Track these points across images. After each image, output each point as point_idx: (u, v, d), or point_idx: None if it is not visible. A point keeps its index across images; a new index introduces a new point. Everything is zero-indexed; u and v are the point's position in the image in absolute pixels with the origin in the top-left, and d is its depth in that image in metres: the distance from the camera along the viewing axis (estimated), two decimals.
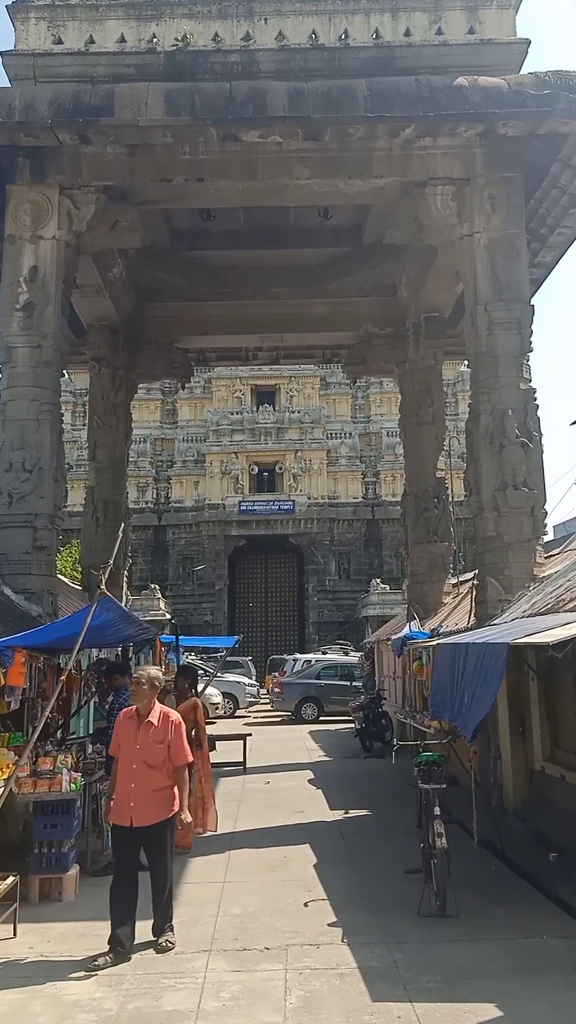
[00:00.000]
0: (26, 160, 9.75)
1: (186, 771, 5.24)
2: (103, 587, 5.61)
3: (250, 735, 13.59)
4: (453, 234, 10.14)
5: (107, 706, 8.26)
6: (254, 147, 9.65)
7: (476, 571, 10.07)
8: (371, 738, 14.33)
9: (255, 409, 41.46)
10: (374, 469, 41.30)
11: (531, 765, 8.25)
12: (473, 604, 9.85)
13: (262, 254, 13.92)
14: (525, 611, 7.95)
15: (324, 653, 26.80)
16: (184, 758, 5.19)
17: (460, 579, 14.68)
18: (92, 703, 9.35)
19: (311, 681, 21.36)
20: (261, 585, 41.37)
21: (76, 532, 20.93)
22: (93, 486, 14.14)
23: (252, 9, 10.22)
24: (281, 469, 40.69)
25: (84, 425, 22.97)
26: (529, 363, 9.75)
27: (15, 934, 5.42)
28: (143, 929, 5.17)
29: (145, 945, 5.11)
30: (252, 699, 23.51)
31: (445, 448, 14.90)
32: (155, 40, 10.15)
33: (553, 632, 5.15)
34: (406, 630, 12.32)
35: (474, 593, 9.87)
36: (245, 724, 20.06)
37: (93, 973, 4.77)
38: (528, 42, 10.05)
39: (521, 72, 9.93)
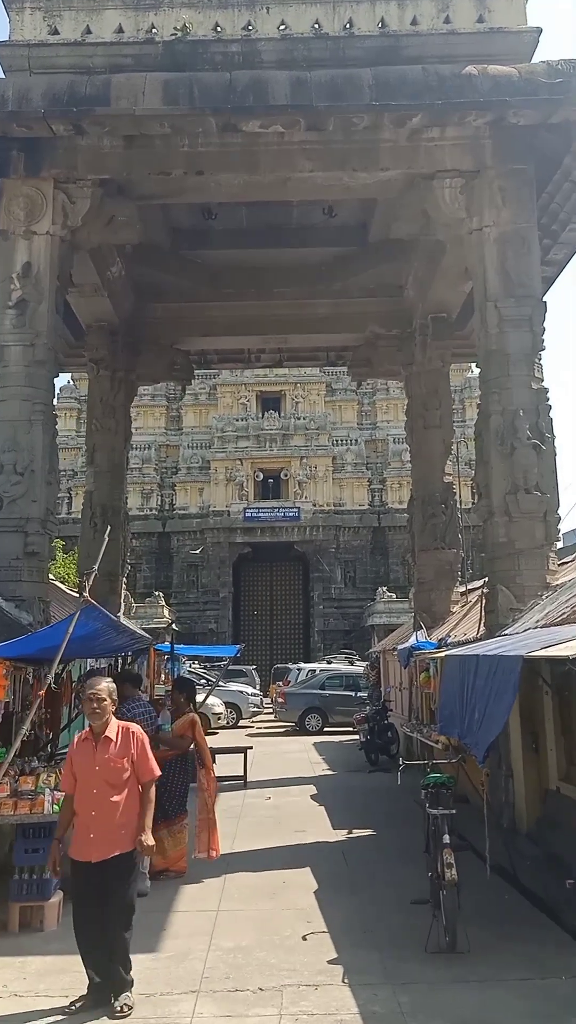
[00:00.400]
0: (20, 153, 9.43)
1: (152, 788, 4.60)
2: (87, 594, 5.23)
3: (251, 747, 13.17)
4: (462, 228, 9.77)
5: None
6: (255, 138, 9.32)
7: (486, 579, 9.65)
8: (376, 751, 13.88)
9: (260, 415, 41.17)
10: (380, 476, 40.93)
11: (545, 784, 7.80)
12: (483, 613, 9.43)
13: (265, 253, 13.59)
14: (538, 621, 7.53)
15: (329, 662, 26.35)
16: (151, 773, 4.60)
17: (469, 587, 14.24)
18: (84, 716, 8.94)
19: (315, 691, 20.92)
20: (266, 593, 40.98)
21: (77, 540, 20.57)
22: (91, 491, 13.80)
23: None
24: (286, 476, 40.35)
25: None
26: (541, 362, 9.36)
27: None
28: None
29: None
30: (255, 709, 23.06)
31: (452, 454, 14.49)
32: (154, 30, 9.84)
33: (572, 644, 4.75)
34: (413, 640, 11.88)
35: (484, 602, 9.45)
36: (248, 735, 19.62)
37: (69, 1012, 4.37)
38: (539, 31, 9.70)
39: (532, 62, 9.58)
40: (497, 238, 9.45)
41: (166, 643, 13.04)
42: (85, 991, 4.53)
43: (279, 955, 5.21)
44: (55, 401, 9.96)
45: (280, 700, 21.51)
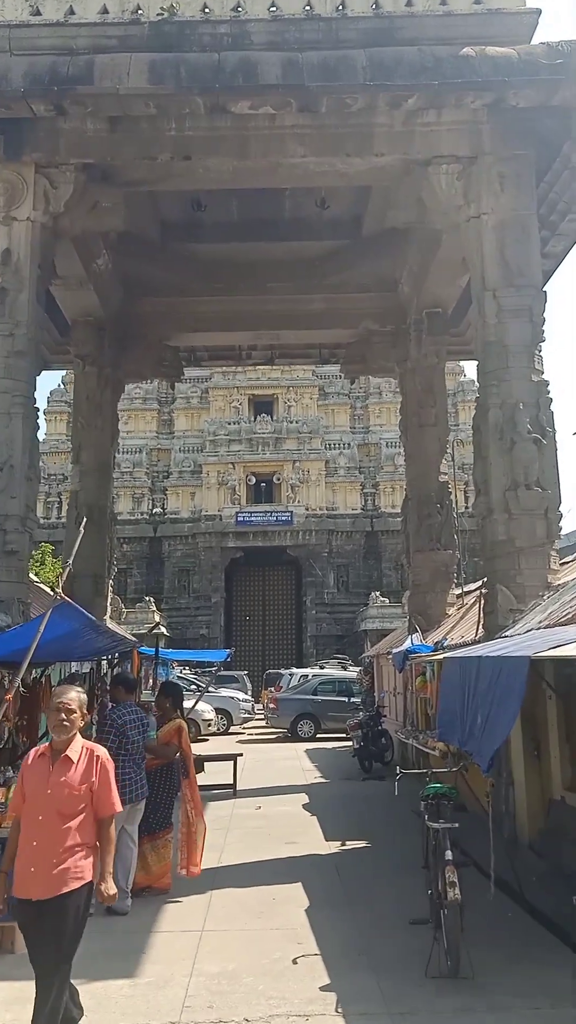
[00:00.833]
0: None
1: (112, 825, 3.89)
2: (60, 591, 4.84)
3: (241, 755, 12.74)
4: (459, 216, 9.45)
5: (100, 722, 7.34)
6: (245, 121, 8.98)
7: (484, 579, 9.30)
8: (370, 758, 13.48)
9: (252, 419, 40.79)
10: (373, 480, 40.61)
11: (549, 794, 7.44)
12: (481, 615, 9.06)
13: (256, 247, 13.26)
14: (541, 622, 7.17)
15: (322, 668, 25.94)
16: (111, 808, 3.85)
17: (465, 590, 13.89)
18: None
19: (308, 697, 20.50)
20: (258, 598, 40.54)
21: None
22: (77, 490, 13.39)
23: None
24: (279, 480, 39.96)
25: None
26: (541, 353, 9.04)
27: None
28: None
29: None
30: (247, 715, 22.62)
31: (447, 457, 14.15)
32: (139, 11, 9.49)
33: None
34: (408, 643, 11.52)
35: (482, 603, 9.09)
36: (239, 741, 19.18)
37: None
38: (538, 12, 9.40)
39: (531, 43, 9.27)
40: (496, 225, 9.14)
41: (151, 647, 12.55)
42: None
43: (267, 981, 4.81)
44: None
45: (272, 706, 21.09)
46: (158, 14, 9.40)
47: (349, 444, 41.28)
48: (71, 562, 5.77)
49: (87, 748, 3.88)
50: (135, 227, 12.27)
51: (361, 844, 8.49)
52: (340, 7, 9.51)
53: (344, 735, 16.38)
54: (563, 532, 9.52)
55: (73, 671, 8.73)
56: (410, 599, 13.98)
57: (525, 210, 9.20)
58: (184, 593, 39.36)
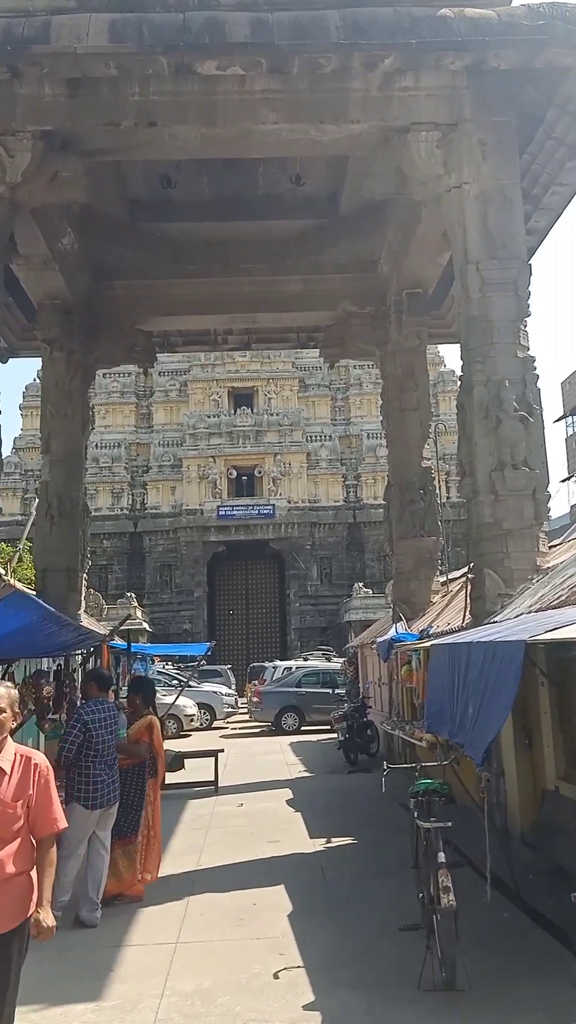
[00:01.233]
0: None
1: (54, 848, 3.25)
2: (9, 576, 4.39)
3: (222, 750, 12.33)
4: (439, 186, 9.04)
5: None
6: (212, 85, 8.51)
7: (470, 563, 8.94)
8: (356, 750, 13.13)
9: (232, 412, 40.33)
10: (355, 472, 40.30)
11: (542, 784, 7.10)
12: (468, 601, 8.71)
13: (229, 226, 12.80)
14: (531, 606, 6.81)
15: (306, 660, 25.61)
16: (53, 825, 3.21)
17: (450, 577, 13.56)
18: (33, 721, 8.08)
19: (291, 689, 20.13)
20: (241, 591, 40.16)
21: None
22: (47, 481, 12.88)
23: None
24: (260, 473, 39.56)
25: None
26: (527, 329, 8.68)
27: None
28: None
29: None
30: (230, 709, 22.22)
31: (429, 444, 13.77)
32: None
33: None
34: (392, 632, 11.17)
35: (469, 588, 8.74)
36: (222, 736, 18.79)
37: None
38: None
39: (512, 5, 8.89)
40: (478, 195, 8.74)
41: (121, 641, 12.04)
42: None
43: (245, 999, 4.41)
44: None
45: (255, 699, 20.71)
46: None
47: (330, 436, 40.93)
48: (21, 544, 5.31)
49: (22, 756, 3.22)
50: (101, 204, 11.79)
51: (347, 841, 8.12)
52: None
53: (329, 727, 16.04)
54: (551, 514, 9.21)
55: (39, 668, 8.27)
56: (394, 587, 13.62)
57: (508, 180, 8.81)
58: (166, 588, 38.90)
